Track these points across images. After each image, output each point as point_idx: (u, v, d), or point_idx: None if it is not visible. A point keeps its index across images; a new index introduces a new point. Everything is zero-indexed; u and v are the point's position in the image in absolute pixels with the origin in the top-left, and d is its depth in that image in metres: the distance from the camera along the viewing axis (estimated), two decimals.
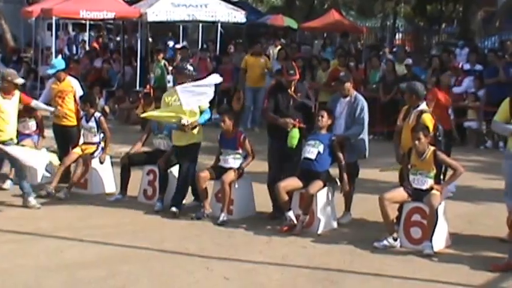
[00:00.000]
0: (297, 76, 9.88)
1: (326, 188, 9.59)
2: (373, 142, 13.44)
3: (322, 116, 9.63)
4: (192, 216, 10.08)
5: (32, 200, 10.45)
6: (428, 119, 9.08)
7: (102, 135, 11.33)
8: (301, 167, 9.62)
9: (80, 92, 11.83)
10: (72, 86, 11.81)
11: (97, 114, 11.35)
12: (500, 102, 8.81)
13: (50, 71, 11.88)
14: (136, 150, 11.02)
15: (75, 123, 11.66)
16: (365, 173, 10.66)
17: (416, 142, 8.72)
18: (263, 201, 10.25)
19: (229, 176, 9.99)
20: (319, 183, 9.44)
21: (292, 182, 9.55)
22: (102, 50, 24.00)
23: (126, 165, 10.83)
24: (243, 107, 18.15)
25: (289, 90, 9.85)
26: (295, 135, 9.65)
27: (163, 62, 20.44)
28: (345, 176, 9.54)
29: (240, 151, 10.23)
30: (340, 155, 9.57)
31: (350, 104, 9.78)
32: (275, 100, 9.89)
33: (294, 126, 9.63)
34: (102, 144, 11.35)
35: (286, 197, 9.45)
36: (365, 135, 9.82)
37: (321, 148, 9.52)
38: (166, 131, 10.77)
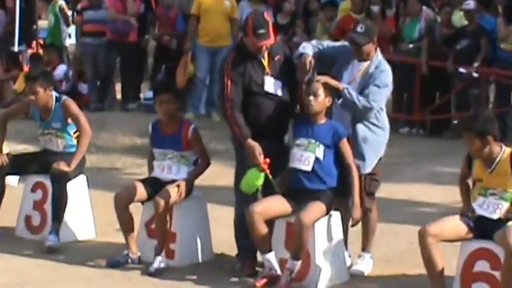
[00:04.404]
0: (271, 39, 7.37)
1: (330, 216, 7.23)
2: (410, 138, 11.96)
3: (315, 95, 7.03)
4: (107, 262, 7.67)
5: None
6: None
7: None
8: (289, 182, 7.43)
9: None
10: None
11: None
12: None
13: None
14: None
15: None
16: (394, 190, 8.99)
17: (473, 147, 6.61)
18: (224, 236, 7.80)
19: (169, 194, 7.54)
20: (318, 208, 6.99)
21: (275, 205, 7.13)
22: None
23: None
24: (193, 79, 14.29)
25: (260, 58, 7.35)
26: (251, 180, 7.16)
27: (59, 3, 16.09)
28: (357, 196, 7.13)
29: (187, 153, 7.80)
30: (352, 159, 7.11)
31: (367, 72, 7.32)
32: (242, 78, 7.30)
33: (258, 166, 7.18)
34: None
35: (264, 230, 7.02)
36: (384, 125, 7.41)
37: (319, 151, 7.10)
38: (59, 121, 8.22)
